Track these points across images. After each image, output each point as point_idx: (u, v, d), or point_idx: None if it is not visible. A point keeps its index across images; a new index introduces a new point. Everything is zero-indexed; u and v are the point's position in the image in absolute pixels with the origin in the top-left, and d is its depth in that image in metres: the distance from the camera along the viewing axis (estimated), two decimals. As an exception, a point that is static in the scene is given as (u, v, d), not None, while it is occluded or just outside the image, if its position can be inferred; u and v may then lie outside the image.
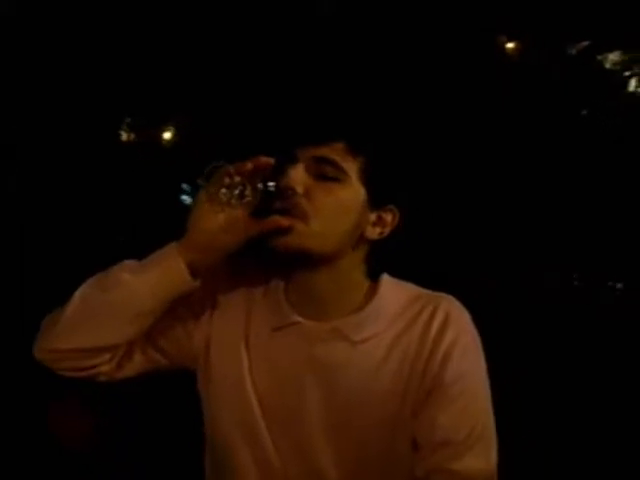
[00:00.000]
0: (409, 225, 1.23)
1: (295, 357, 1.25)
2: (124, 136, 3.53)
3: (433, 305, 1.24)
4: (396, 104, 1.27)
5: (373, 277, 1.27)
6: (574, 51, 2.18)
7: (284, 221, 1.13)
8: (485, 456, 1.20)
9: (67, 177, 2.91)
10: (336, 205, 1.17)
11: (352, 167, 1.16)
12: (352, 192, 1.17)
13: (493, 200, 2.69)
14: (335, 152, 1.16)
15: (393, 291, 1.27)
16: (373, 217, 1.21)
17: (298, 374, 1.25)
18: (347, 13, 2.92)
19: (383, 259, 1.25)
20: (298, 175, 1.17)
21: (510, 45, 2.23)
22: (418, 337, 1.22)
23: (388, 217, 1.22)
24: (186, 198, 3.66)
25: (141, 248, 1.21)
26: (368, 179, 1.18)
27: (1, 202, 3.02)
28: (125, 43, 2.77)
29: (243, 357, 1.28)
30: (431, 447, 1.19)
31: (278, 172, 1.18)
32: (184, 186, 3.85)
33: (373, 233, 1.22)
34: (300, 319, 1.24)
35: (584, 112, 2.25)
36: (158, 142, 3.52)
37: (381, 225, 1.22)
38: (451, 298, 1.27)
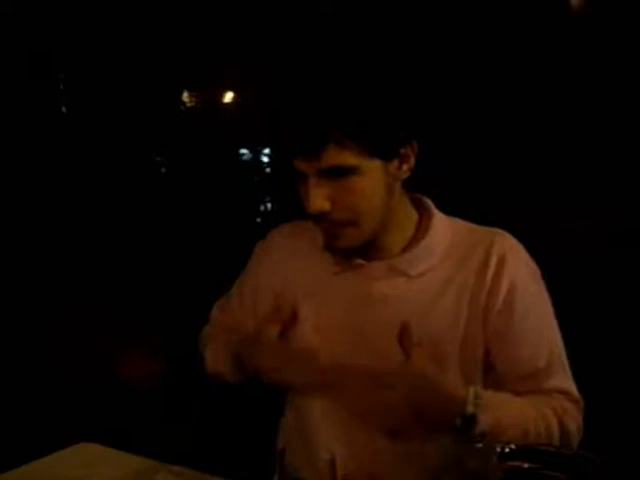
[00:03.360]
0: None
1: (355, 297, 1.28)
2: (186, 99, 3.50)
3: (488, 241, 1.26)
4: (370, 74, 1.23)
5: (418, 206, 1.31)
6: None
7: None
8: (568, 378, 1.25)
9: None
10: (366, 194, 1.18)
11: (353, 157, 1.15)
12: (370, 173, 1.17)
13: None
14: (332, 157, 1.14)
15: (446, 226, 1.29)
16: (396, 163, 1.21)
17: (358, 312, 1.27)
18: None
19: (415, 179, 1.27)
20: (318, 196, 1.17)
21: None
22: (475, 273, 1.24)
23: (408, 151, 1.22)
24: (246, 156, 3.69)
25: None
26: (374, 152, 1.17)
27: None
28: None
29: (301, 306, 1.31)
30: (517, 380, 1.23)
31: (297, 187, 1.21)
32: (243, 151, 3.85)
33: (404, 174, 1.23)
34: (361, 261, 1.27)
35: None
36: (218, 105, 3.47)
37: (406, 162, 1.22)
38: (505, 233, 1.28)
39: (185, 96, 3.57)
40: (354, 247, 1.23)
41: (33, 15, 3.33)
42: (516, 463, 0.97)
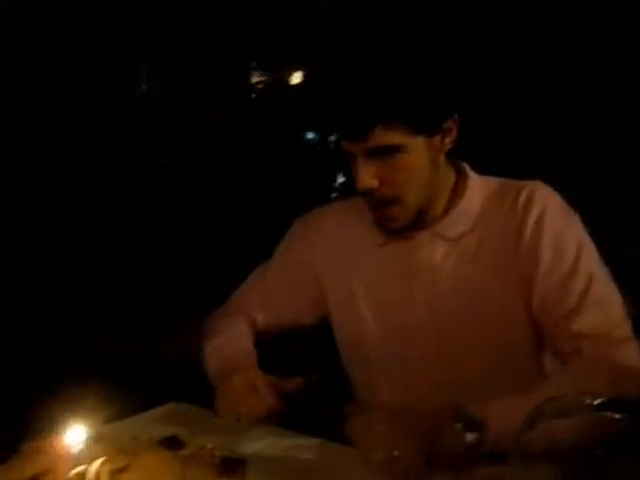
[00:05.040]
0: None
1: (401, 265, 1.32)
2: (254, 78, 3.53)
3: (517, 189, 1.27)
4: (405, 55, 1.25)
5: (455, 169, 1.32)
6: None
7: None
8: (605, 314, 1.19)
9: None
10: (412, 170, 1.22)
11: (399, 136, 1.18)
12: (415, 149, 1.21)
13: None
14: (378, 137, 1.18)
15: (479, 185, 1.31)
16: (439, 137, 1.24)
17: (405, 280, 1.31)
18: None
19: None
20: (366, 174, 1.21)
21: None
22: (505, 219, 1.25)
23: (450, 125, 1.24)
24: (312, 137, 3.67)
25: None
26: (417, 130, 1.20)
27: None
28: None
29: (352, 278, 1.36)
30: (552, 319, 1.22)
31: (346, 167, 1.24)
32: (310, 135, 3.82)
33: (447, 146, 1.26)
34: (405, 231, 1.30)
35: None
36: (286, 85, 3.48)
37: (449, 135, 1.25)
38: (536, 182, 1.29)
39: (254, 79, 3.57)
40: (403, 226, 1.27)
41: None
42: (608, 414, 0.95)
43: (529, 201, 1.24)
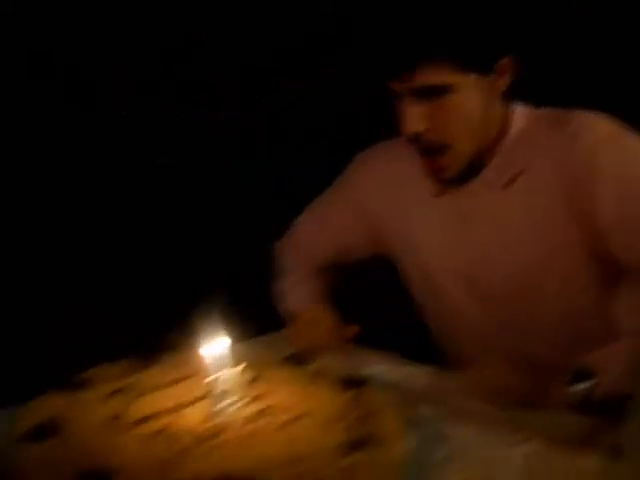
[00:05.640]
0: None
1: (455, 214, 1.31)
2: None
3: (564, 121, 1.20)
4: None
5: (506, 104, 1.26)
6: None
7: None
8: None
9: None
10: (462, 114, 1.17)
11: (447, 74, 1.13)
12: (465, 90, 1.15)
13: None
14: (425, 76, 1.12)
15: (523, 117, 1.25)
16: (492, 78, 1.18)
17: (460, 228, 1.31)
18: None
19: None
20: (413, 116, 1.16)
21: None
22: (554, 155, 1.18)
23: (505, 65, 1.18)
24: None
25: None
26: (467, 68, 1.14)
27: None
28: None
29: (414, 224, 1.37)
30: (634, 257, 1.14)
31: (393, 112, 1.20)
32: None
33: (503, 85, 1.21)
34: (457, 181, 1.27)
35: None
36: None
37: (504, 75, 1.19)
38: (586, 112, 1.21)
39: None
40: (456, 175, 1.23)
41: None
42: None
43: (577, 133, 1.17)
